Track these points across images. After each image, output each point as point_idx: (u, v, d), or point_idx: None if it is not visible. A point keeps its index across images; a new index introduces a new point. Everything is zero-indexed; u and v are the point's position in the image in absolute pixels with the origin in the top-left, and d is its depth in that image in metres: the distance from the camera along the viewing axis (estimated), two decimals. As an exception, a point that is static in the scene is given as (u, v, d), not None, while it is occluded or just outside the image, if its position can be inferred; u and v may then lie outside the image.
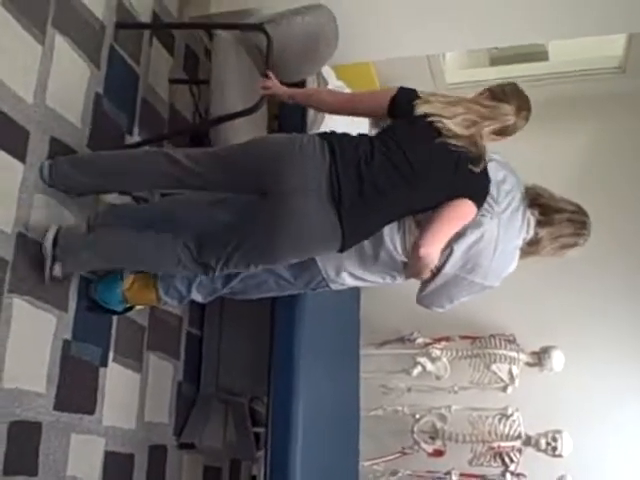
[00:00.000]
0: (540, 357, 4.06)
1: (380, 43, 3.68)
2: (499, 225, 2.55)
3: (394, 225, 2.52)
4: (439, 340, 4.19)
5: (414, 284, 4.26)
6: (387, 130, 2.51)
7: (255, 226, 2.39)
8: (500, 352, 4.06)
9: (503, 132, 2.53)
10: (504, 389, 4.07)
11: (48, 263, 2.49)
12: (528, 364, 4.08)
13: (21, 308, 2.44)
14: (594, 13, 3.42)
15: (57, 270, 2.51)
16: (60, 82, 2.69)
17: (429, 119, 2.43)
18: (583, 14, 3.42)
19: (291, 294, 3.03)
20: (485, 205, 2.52)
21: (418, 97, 2.51)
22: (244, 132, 2.96)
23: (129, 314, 3.02)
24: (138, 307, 3.01)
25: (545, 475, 3.86)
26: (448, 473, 3.96)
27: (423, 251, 2.35)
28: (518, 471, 3.89)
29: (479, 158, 2.45)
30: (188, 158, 2.45)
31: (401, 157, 2.38)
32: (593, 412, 4.08)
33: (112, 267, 2.80)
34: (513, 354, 4.05)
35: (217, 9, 3.49)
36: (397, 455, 4.10)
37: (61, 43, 2.71)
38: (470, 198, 2.44)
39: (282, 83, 2.84)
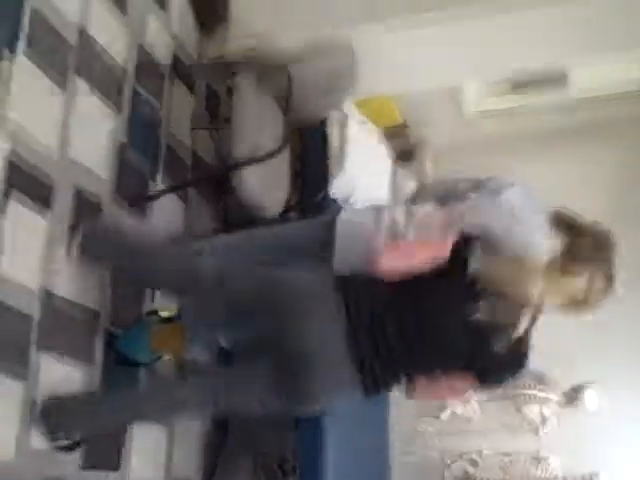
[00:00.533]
0: (572, 396, 3.95)
1: (400, 75, 3.63)
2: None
3: None
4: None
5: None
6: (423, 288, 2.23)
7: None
8: (529, 392, 3.94)
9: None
10: (536, 431, 3.95)
11: None
12: (560, 404, 3.96)
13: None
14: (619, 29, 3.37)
15: None
16: (83, 130, 2.62)
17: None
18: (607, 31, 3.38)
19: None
20: None
21: None
22: (266, 176, 2.92)
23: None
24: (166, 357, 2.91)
25: (583, 520, 3.74)
26: (482, 520, 3.85)
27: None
28: (554, 516, 3.77)
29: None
30: None
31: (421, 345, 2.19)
32: (630, 453, 3.95)
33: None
34: (543, 394, 3.94)
35: (236, 46, 3.43)
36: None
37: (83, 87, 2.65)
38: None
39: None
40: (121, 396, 2.49)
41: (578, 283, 2.23)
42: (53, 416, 2.30)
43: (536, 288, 2.17)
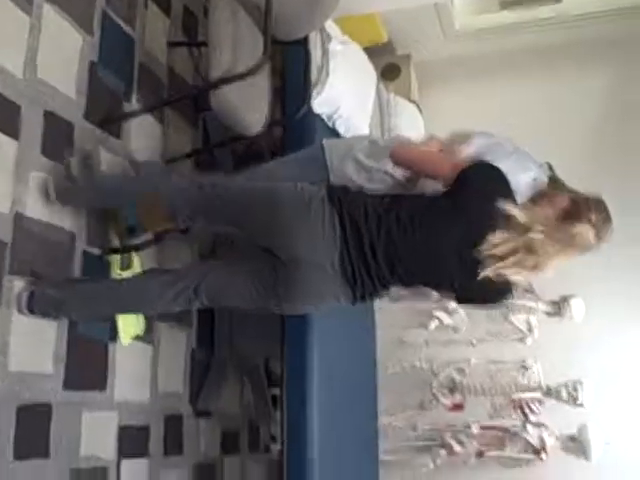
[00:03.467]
0: (559, 306, 3.98)
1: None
2: None
3: None
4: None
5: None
6: (413, 205, 2.28)
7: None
8: (517, 302, 3.97)
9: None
10: (523, 340, 4.00)
11: None
12: (547, 314, 4.00)
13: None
14: None
15: None
16: (51, 52, 2.56)
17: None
18: None
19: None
20: None
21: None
22: (246, 93, 2.86)
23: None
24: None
25: (566, 425, 3.83)
26: (468, 426, 3.93)
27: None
28: (539, 422, 3.85)
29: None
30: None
31: (408, 255, 2.22)
32: (614, 361, 4.00)
33: None
34: (531, 304, 3.97)
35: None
36: (416, 409, 4.06)
37: (49, 12, 2.57)
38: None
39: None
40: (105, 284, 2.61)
41: (573, 229, 2.19)
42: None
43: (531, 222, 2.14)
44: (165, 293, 2.40)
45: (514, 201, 2.19)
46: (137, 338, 2.95)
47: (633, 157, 4.12)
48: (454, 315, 4.05)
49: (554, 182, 2.48)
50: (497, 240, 2.12)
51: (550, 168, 2.54)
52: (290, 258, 2.21)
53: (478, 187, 2.20)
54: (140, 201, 2.59)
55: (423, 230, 2.19)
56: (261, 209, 2.29)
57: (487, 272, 2.11)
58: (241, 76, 2.77)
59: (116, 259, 2.84)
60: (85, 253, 2.70)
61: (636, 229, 4.03)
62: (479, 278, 2.12)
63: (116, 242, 2.84)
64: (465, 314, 4.03)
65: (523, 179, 2.38)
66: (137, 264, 2.92)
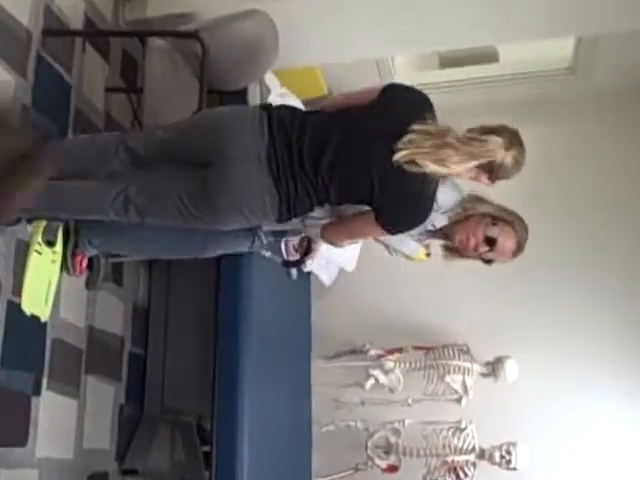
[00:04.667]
0: (494, 367, 3.99)
1: (325, 47, 3.60)
2: None
3: None
4: (392, 352, 4.09)
5: (362, 295, 4.20)
6: (341, 116, 2.42)
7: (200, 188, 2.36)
8: (454, 363, 3.97)
9: (488, 170, 2.37)
10: (458, 401, 3.99)
11: None
12: (482, 374, 4.00)
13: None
14: (543, 16, 3.38)
15: None
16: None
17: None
18: (532, 17, 3.38)
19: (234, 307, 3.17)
20: None
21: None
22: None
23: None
24: None
25: (501, 488, 3.80)
26: (402, 489, 3.88)
27: (323, 240, 2.60)
28: (473, 485, 3.82)
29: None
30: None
31: (333, 146, 2.32)
32: (548, 421, 4.02)
33: None
34: (467, 365, 3.97)
35: (154, 12, 3.33)
36: (350, 471, 3.99)
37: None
38: (386, 225, 2.38)
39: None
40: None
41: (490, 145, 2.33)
42: None
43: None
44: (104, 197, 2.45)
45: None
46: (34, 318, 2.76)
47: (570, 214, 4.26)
48: (390, 374, 4.02)
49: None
50: (416, 127, 2.27)
51: None
52: (220, 156, 2.32)
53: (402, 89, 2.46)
54: None
55: (347, 129, 2.35)
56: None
57: (400, 154, 2.24)
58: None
59: (40, 226, 2.76)
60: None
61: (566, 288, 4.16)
62: (393, 160, 2.24)
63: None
64: (401, 373, 4.01)
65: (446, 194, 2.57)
66: (60, 244, 2.86)
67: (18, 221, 2.61)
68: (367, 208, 2.40)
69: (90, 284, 3.10)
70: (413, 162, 2.25)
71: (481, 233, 2.62)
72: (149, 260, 3.61)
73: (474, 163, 2.31)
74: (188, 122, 2.55)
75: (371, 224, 2.39)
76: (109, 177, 2.52)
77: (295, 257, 3.82)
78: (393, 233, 2.44)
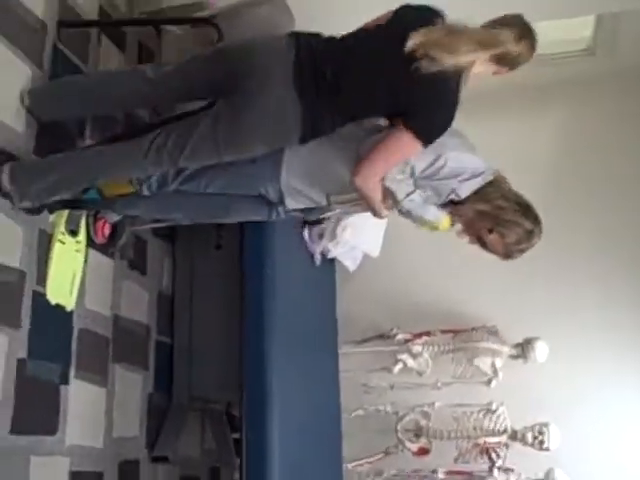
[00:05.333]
0: (523, 349, 3.95)
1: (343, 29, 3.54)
2: None
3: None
4: (419, 335, 4.06)
5: (388, 280, 4.17)
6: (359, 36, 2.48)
7: (225, 108, 2.40)
8: (482, 345, 3.93)
9: (503, 60, 2.43)
10: (488, 383, 3.95)
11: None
12: (512, 356, 3.96)
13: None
14: None
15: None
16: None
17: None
18: None
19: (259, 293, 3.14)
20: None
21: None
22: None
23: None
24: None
25: (534, 469, 3.77)
26: (434, 471, 3.86)
27: (357, 181, 2.46)
28: (505, 466, 3.78)
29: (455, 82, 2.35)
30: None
31: (353, 60, 2.39)
32: (579, 402, 3.98)
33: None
34: (496, 347, 3.93)
35: (170, 2, 3.33)
36: (381, 455, 3.98)
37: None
38: (416, 131, 2.36)
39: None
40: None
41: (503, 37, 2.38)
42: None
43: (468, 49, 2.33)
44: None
45: None
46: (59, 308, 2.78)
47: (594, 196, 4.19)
48: (418, 358, 4.00)
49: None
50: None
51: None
52: (245, 72, 2.35)
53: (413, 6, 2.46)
54: None
55: (365, 44, 2.43)
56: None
57: (410, 42, 2.29)
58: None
59: (63, 216, 2.78)
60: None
61: (593, 272, 4.10)
62: (405, 49, 2.29)
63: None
64: (429, 356, 3.98)
65: (469, 156, 2.55)
66: (83, 233, 2.88)
67: (40, 210, 2.63)
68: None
69: (110, 248, 3.11)
70: (425, 55, 2.28)
71: (475, 233, 2.59)
72: (172, 247, 3.64)
73: (486, 52, 2.36)
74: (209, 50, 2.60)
75: (401, 138, 2.39)
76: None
77: (320, 245, 3.84)
78: (426, 139, 2.38)
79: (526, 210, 2.55)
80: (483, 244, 2.58)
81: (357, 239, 3.90)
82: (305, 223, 3.55)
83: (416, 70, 2.29)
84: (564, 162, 4.26)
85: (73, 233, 2.83)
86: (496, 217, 2.52)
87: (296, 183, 2.60)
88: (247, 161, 2.55)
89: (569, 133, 4.28)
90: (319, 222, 3.43)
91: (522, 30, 2.41)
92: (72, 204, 2.78)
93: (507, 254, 2.58)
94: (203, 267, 3.62)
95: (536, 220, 2.55)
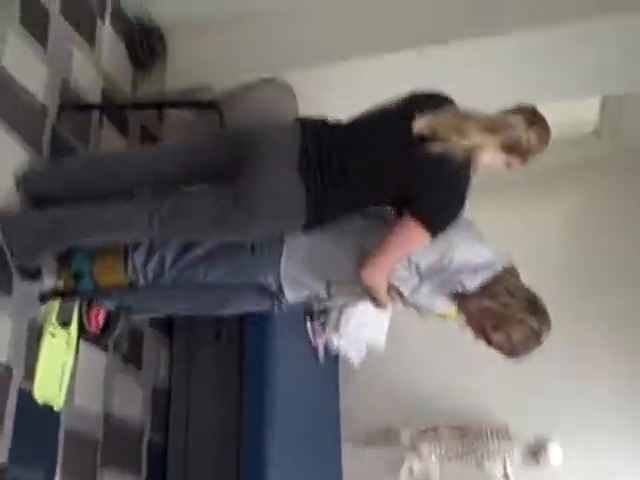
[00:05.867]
0: (536, 451, 3.74)
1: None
2: None
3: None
4: (426, 431, 3.84)
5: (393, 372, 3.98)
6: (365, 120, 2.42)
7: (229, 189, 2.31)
8: (493, 448, 3.72)
9: (514, 149, 2.32)
10: (500, 489, 3.72)
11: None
12: (524, 459, 3.74)
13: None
14: (569, 76, 3.33)
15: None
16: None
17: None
18: (558, 77, 3.32)
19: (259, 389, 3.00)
20: None
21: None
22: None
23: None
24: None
25: None
26: None
27: (364, 274, 2.34)
28: None
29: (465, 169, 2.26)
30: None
31: (359, 145, 2.31)
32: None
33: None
34: (507, 449, 3.72)
35: (173, 85, 3.25)
36: None
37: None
38: (424, 221, 2.25)
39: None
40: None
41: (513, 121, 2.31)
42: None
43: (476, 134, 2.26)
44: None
45: None
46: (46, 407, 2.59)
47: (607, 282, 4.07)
48: (425, 461, 3.77)
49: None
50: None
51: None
52: (250, 155, 2.28)
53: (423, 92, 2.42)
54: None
55: (372, 128, 2.35)
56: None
57: (419, 123, 2.24)
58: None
59: (55, 307, 2.63)
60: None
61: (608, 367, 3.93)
62: (414, 130, 2.23)
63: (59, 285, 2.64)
64: (437, 459, 3.76)
65: (477, 248, 2.43)
66: (74, 325, 2.71)
67: (37, 275, 2.50)
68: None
69: (103, 339, 2.94)
70: (434, 137, 2.21)
71: (479, 329, 2.42)
72: (170, 338, 3.46)
73: (495, 137, 2.26)
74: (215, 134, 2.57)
75: (409, 228, 2.27)
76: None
77: (323, 337, 3.67)
78: (435, 229, 2.27)
79: (534, 307, 2.38)
80: (488, 341, 2.41)
81: (361, 331, 3.74)
82: (308, 314, 3.39)
83: (424, 152, 2.21)
84: (574, 246, 4.14)
85: (65, 325, 2.66)
86: (501, 315, 2.35)
87: (296, 272, 2.48)
88: (245, 249, 2.46)
89: (579, 216, 4.19)
90: (322, 313, 3.27)
91: (533, 117, 2.34)
92: (65, 294, 2.63)
93: (512, 353, 2.40)
94: (201, 359, 3.40)
95: (544, 318, 2.39)
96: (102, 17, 3.25)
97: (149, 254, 2.58)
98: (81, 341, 2.79)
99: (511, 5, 3.18)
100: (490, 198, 3.89)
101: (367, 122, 2.40)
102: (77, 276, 2.64)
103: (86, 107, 2.96)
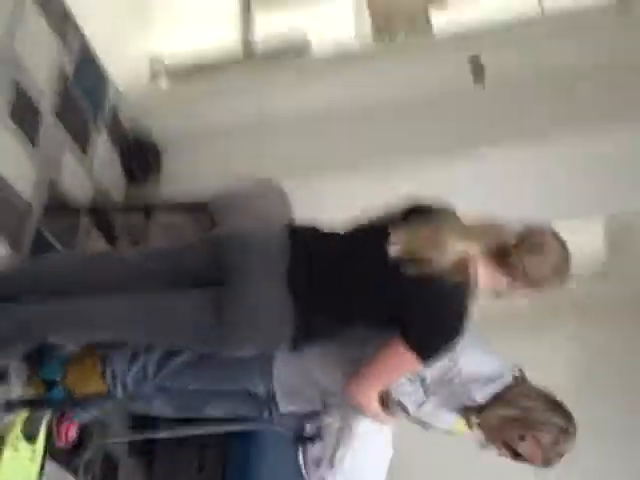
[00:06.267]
0: None
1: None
2: None
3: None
4: None
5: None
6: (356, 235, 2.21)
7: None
8: None
9: (503, 258, 2.05)
10: None
11: None
12: None
13: None
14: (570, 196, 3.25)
15: None
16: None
17: None
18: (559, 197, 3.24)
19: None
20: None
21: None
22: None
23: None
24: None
25: None
26: None
27: (350, 393, 2.17)
28: None
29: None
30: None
31: (348, 267, 2.11)
32: None
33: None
34: None
35: (169, 192, 3.19)
36: None
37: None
38: (414, 347, 2.00)
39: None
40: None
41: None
42: None
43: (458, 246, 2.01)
44: None
45: None
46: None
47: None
48: None
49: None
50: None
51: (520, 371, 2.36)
52: (235, 267, 2.08)
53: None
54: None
55: (364, 244, 2.12)
56: None
57: (394, 247, 2.02)
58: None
59: (22, 417, 2.36)
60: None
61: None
62: (390, 257, 2.02)
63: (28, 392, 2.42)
64: None
65: (485, 359, 2.30)
66: (41, 439, 2.42)
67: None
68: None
69: (73, 459, 2.67)
70: (413, 258, 1.98)
71: (503, 443, 2.22)
72: (149, 468, 3.17)
73: (478, 244, 2.03)
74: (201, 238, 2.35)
75: (398, 352, 2.02)
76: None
77: (317, 474, 3.39)
78: (425, 356, 2.03)
79: (556, 406, 2.23)
80: (515, 454, 2.19)
81: (358, 469, 3.43)
82: (299, 439, 3.10)
83: (408, 275, 1.99)
84: (580, 382, 4.00)
85: (30, 439, 2.41)
86: (525, 420, 2.17)
87: (290, 379, 2.32)
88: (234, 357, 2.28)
89: (585, 352, 4.06)
90: (316, 436, 3.00)
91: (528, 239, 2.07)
92: (34, 403, 2.42)
93: (547, 460, 2.19)
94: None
95: (568, 416, 2.22)
96: (97, 126, 3.22)
97: (131, 361, 2.41)
98: (48, 461, 2.54)
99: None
100: (494, 332, 3.77)
101: (359, 236, 2.20)
102: (48, 383, 2.45)
103: (72, 210, 2.85)
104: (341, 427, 2.97)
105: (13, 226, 2.54)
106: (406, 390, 2.26)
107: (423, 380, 2.25)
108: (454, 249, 1.98)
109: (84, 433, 2.69)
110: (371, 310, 2.10)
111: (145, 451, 3.17)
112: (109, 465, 2.93)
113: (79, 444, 2.68)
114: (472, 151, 3.12)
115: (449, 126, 3.17)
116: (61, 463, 2.61)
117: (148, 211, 3.00)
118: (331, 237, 2.21)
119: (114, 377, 2.38)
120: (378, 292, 2.07)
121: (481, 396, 2.23)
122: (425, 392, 2.27)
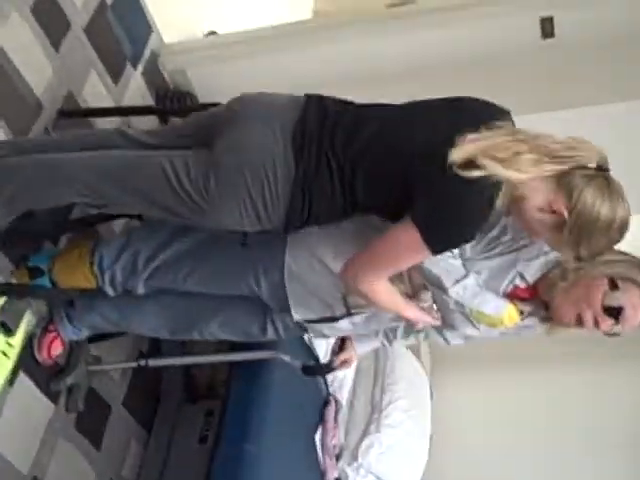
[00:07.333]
0: None
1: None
2: None
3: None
4: None
5: None
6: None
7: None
8: None
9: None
10: None
11: None
12: None
13: None
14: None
15: None
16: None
17: None
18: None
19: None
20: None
21: None
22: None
23: None
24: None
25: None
26: None
27: (345, 279, 1.90)
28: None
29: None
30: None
31: (373, 128, 1.80)
32: None
33: None
34: None
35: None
36: None
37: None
38: (422, 228, 1.69)
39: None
40: None
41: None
42: None
43: None
44: None
45: None
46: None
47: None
48: None
49: None
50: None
51: None
52: (236, 116, 1.85)
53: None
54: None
55: (395, 114, 1.86)
56: None
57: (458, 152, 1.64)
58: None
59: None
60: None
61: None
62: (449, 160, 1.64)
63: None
64: None
65: None
66: (22, 332, 2.19)
67: None
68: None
69: (53, 380, 2.40)
70: (471, 163, 1.61)
71: (598, 304, 1.84)
72: (147, 432, 2.86)
73: (560, 167, 1.63)
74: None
75: (406, 232, 1.71)
76: None
77: (335, 467, 2.96)
78: (436, 243, 1.71)
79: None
80: (616, 314, 1.83)
81: (384, 467, 2.98)
82: (307, 369, 2.60)
83: (449, 166, 1.66)
84: None
85: (6, 329, 2.15)
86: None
87: (305, 274, 2.00)
88: (236, 242, 2.01)
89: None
90: (328, 369, 2.52)
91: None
92: (17, 290, 2.21)
93: None
94: (178, 461, 2.77)
95: None
96: (134, 64, 3.11)
97: (120, 251, 2.17)
98: (23, 375, 2.28)
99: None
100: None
101: (394, 109, 1.89)
102: (33, 271, 2.24)
103: (88, 113, 2.67)
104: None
105: (19, 118, 2.38)
106: (441, 258, 1.86)
107: (463, 250, 1.91)
108: (530, 172, 1.64)
109: (70, 356, 2.44)
110: (388, 184, 1.79)
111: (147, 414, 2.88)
112: (98, 412, 2.63)
113: (62, 368, 2.42)
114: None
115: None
116: (38, 383, 2.34)
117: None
118: (362, 105, 1.91)
119: (101, 267, 2.15)
120: (400, 166, 1.75)
121: (534, 275, 1.93)
122: (464, 265, 1.92)
